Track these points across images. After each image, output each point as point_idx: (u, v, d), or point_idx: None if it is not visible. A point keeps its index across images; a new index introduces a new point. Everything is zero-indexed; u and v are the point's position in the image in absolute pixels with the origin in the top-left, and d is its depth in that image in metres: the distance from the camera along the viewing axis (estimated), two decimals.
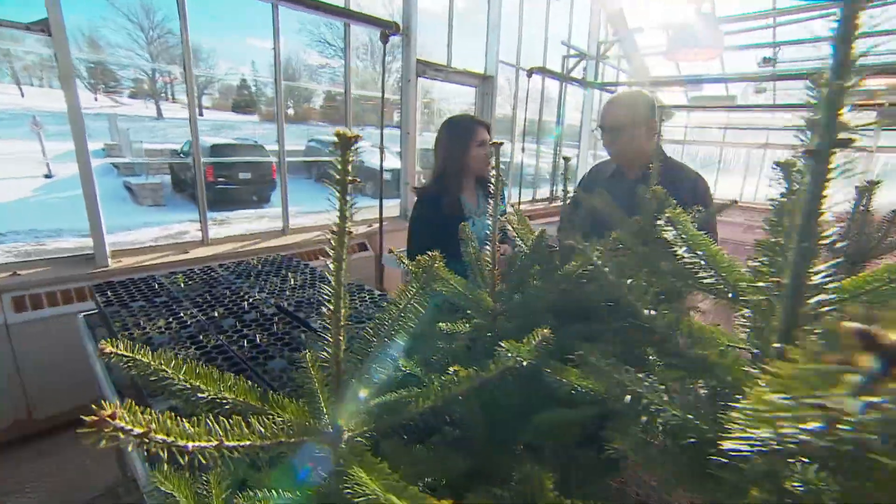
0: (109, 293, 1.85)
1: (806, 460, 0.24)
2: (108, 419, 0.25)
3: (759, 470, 0.25)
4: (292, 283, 2.08)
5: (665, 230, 0.50)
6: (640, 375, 0.38)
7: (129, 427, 0.26)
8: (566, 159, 0.85)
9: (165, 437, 0.29)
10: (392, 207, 4.90)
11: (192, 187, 11.61)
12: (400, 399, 0.48)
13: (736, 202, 1.10)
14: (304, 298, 1.88)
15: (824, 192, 0.28)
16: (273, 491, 0.41)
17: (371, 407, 0.47)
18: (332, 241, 0.37)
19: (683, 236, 0.48)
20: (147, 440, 0.27)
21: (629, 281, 0.44)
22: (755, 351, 0.36)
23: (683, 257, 0.47)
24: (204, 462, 0.31)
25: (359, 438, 0.44)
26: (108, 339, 0.43)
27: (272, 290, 1.97)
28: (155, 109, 26.79)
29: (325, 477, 0.41)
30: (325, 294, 0.40)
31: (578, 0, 6.76)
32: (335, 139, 0.35)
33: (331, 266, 0.38)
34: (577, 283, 0.71)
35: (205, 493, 0.48)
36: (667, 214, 0.50)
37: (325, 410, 0.49)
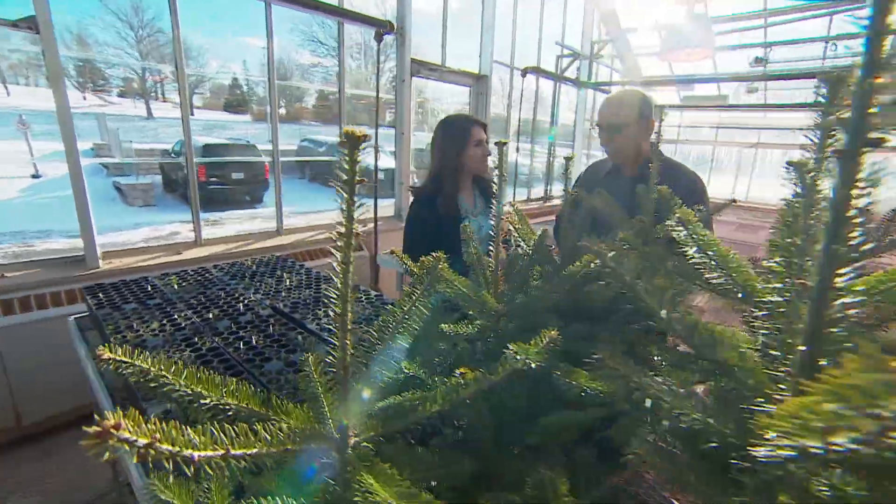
0: (101, 295, 1.82)
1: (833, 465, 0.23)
2: (111, 430, 0.24)
3: (789, 476, 0.24)
4: (287, 284, 2.06)
5: (676, 230, 0.50)
6: (659, 378, 0.37)
7: (133, 438, 0.25)
8: (567, 158, 0.84)
9: (170, 448, 0.27)
10: (386, 207, 4.88)
11: (184, 187, 11.50)
12: (406, 403, 0.47)
13: (735, 201, 1.10)
14: (300, 299, 1.87)
15: (853, 194, 0.27)
16: (278, 499, 0.40)
17: (377, 411, 0.46)
18: (338, 243, 0.36)
19: (694, 236, 0.48)
20: (152, 451, 0.26)
21: (645, 282, 0.44)
22: (776, 354, 0.35)
23: (694, 257, 0.47)
24: (210, 472, 0.30)
25: (365, 444, 0.43)
26: (106, 345, 0.42)
27: (267, 292, 1.95)
28: (145, 109, 26.47)
29: (333, 484, 0.40)
30: (331, 296, 0.39)
31: (572, 0, 6.78)
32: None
33: (337, 267, 0.37)
34: (582, 283, 0.70)
35: (206, 500, 0.47)
36: (677, 214, 0.50)
37: (329, 415, 0.48)
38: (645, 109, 1.68)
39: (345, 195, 0.35)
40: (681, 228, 0.49)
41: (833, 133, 0.38)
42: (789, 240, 0.37)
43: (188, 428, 0.31)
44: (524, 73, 5.77)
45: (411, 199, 2.11)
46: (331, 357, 0.42)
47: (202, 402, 0.42)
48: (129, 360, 0.41)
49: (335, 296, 0.38)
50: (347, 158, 0.33)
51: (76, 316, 1.88)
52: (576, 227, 0.94)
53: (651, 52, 7.55)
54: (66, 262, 2.82)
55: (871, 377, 0.17)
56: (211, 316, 1.65)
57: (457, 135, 1.96)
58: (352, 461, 0.41)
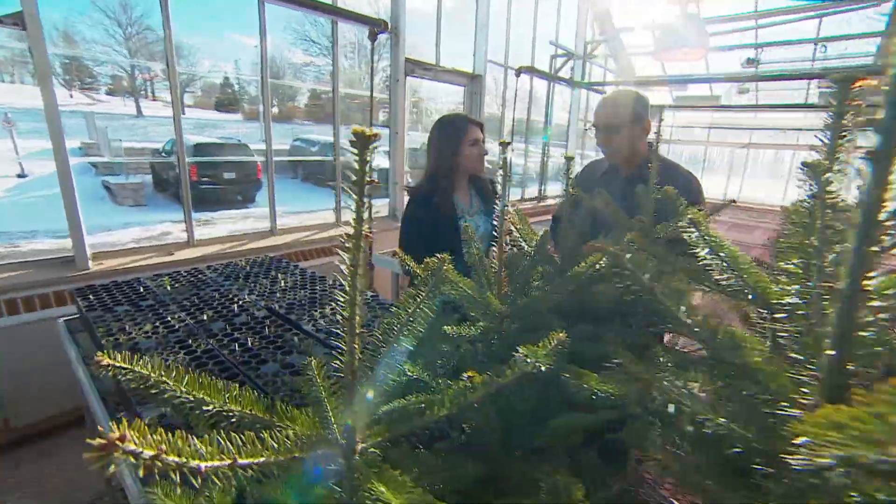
0: (92, 297, 1.78)
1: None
2: (117, 442, 0.23)
3: (823, 484, 0.24)
4: (282, 284, 2.04)
5: (687, 231, 0.50)
6: (680, 383, 0.37)
7: (138, 450, 0.24)
8: (568, 158, 0.84)
9: (177, 459, 0.26)
10: (380, 207, 4.86)
11: (175, 187, 11.37)
12: (413, 407, 0.46)
13: (734, 202, 1.10)
14: (296, 300, 1.85)
15: (886, 196, 0.27)
16: None
17: (384, 415, 0.45)
18: (348, 245, 0.35)
19: (706, 238, 0.47)
20: (158, 462, 0.25)
21: (664, 285, 0.43)
22: (797, 357, 0.35)
23: (705, 258, 0.47)
24: (217, 483, 0.29)
25: (373, 449, 0.42)
26: (105, 351, 0.40)
27: (262, 293, 1.93)
28: (134, 107, 26.11)
29: (339, 491, 0.39)
30: (339, 300, 0.38)
31: (566, 0, 6.80)
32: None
33: (345, 270, 0.36)
34: (585, 284, 0.70)
35: None
36: (688, 216, 0.50)
37: (333, 420, 0.47)
38: (641, 110, 1.68)
39: (354, 196, 0.34)
40: (692, 230, 0.49)
41: (844, 134, 0.38)
42: (806, 241, 0.36)
43: (193, 437, 0.30)
44: (518, 72, 5.78)
45: (406, 198, 2.10)
46: (337, 361, 0.41)
47: (205, 409, 0.41)
48: (129, 367, 0.40)
49: (343, 299, 0.37)
50: (357, 158, 0.33)
51: (66, 318, 1.84)
52: (576, 228, 0.94)
53: (645, 52, 7.60)
54: (54, 263, 2.76)
55: None
56: (205, 318, 1.62)
57: (453, 134, 1.95)
58: (359, 468, 0.40)
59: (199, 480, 0.28)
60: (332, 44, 3.88)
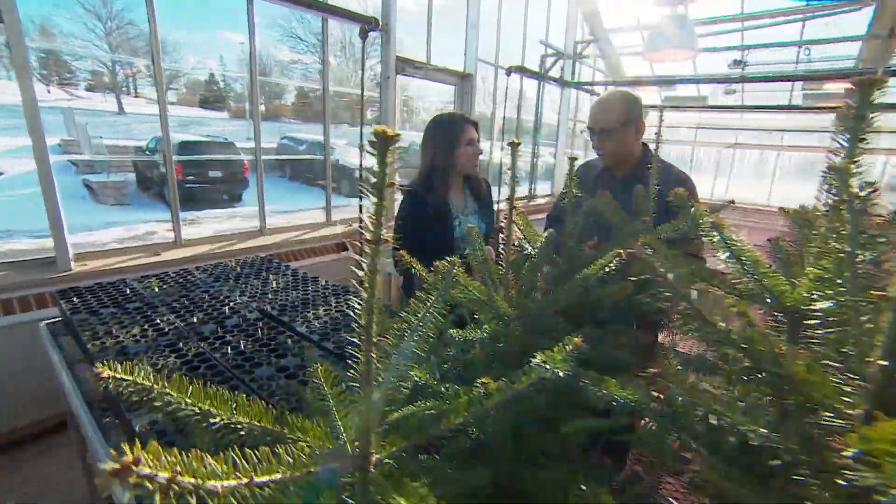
0: (76, 299, 1.73)
1: None
2: (131, 466, 0.22)
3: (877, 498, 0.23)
4: (274, 285, 2.01)
5: (709, 235, 0.49)
6: (717, 392, 0.36)
7: (154, 473, 0.23)
8: (572, 159, 0.83)
9: (193, 480, 0.25)
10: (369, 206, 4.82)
11: (159, 185, 11.14)
12: (429, 416, 0.45)
13: (733, 202, 1.11)
14: (288, 301, 1.81)
15: None
16: None
17: (398, 425, 0.44)
18: (364, 250, 0.34)
19: (727, 241, 0.47)
20: (175, 486, 0.23)
21: (700, 292, 0.43)
22: (834, 364, 0.34)
23: (727, 262, 0.46)
24: (235, 502, 0.27)
25: (388, 460, 0.40)
26: (105, 363, 0.38)
27: (253, 294, 1.89)
28: (116, 104, 25.51)
29: None
30: (355, 307, 0.36)
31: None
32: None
33: (362, 276, 0.35)
34: (593, 286, 0.70)
35: None
36: (710, 220, 0.49)
37: (344, 430, 0.45)
38: (635, 111, 1.69)
39: (374, 199, 0.32)
40: (714, 233, 0.49)
41: (864, 137, 0.38)
42: (837, 246, 0.36)
43: (208, 456, 0.28)
44: (509, 71, 5.78)
45: (400, 197, 2.07)
46: (352, 371, 0.39)
47: (211, 421, 0.39)
48: (131, 378, 0.38)
49: (360, 306, 0.35)
50: (378, 159, 0.31)
51: (48, 321, 1.78)
52: (579, 229, 0.93)
53: (634, 53, 7.68)
54: (34, 264, 2.68)
55: None
56: (195, 320, 1.58)
57: (449, 133, 1.94)
58: (375, 481, 0.39)
59: (215, 502, 0.26)
60: (322, 41, 3.83)
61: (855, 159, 0.39)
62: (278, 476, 0.31)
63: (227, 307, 1.71)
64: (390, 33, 4.19)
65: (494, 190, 2.30)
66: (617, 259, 0.65)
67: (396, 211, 2.08)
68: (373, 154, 0.32)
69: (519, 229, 0.81)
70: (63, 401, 1.58)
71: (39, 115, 2.46)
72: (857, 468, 0.21)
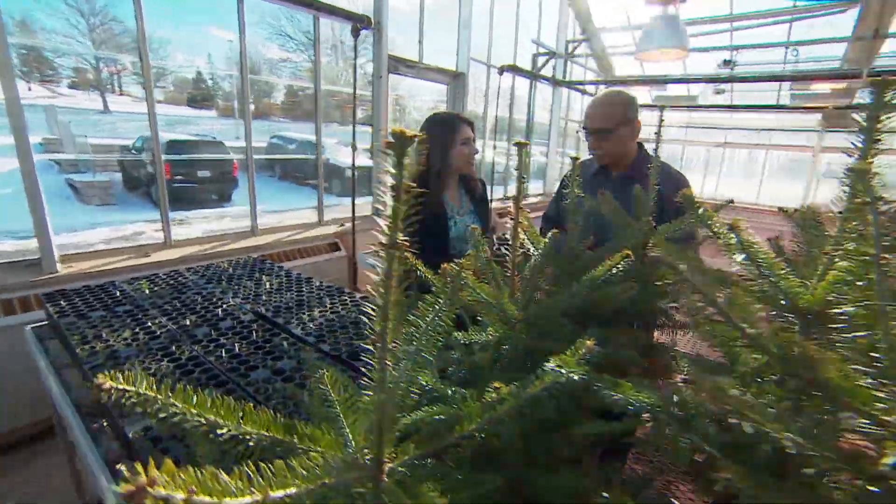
0: (63, 302, 1.69)
1: None
2: (147, 488, 0.20)
3: None
4: (268, 286, 1.98)
5: (727, 237, 0.49)
6: (749, 397, 0.35)
7: (170, 494, 0.21)
8: (574, 159, 0.83)
9: (209, 499, 0.23)
10: (362, 206, 4.79)
11: (147, 185, 10.94)
12: (441, 423, 0.44)
13: (732, 202, 1.12)
14: (282, 303, 1.79)
15: None
16: None
17: (410, 432, 0.43)
18: (381, 256, 0.32)
19: (744, 243, 0.46)
20: None
21: (728, 298, 0.42)
22: (863, 369, 0.34)
23: (743, 264, 0.46)
24: None
25: (402, 469, 0.39)
26: (108, 373, 0.36)
27: (247, 295, 1.86)
28: (101, 102, 24.97)
29: None
30: (370, 313, 0.35)
31: None
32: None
33: (378, 281, 0.33)
34: (599, 287, 0.69)
35: None
36: (728, 222, 0.49)
37: (353, 439, 0.44)
38: (631, 111, 1.69)
39: (390, 202, 0.31)
40: (732, 235, 0.48)
41: (879, 138, 0.38)
42: (861, 248, 0.36)
43: (221, 472, 0.27)
44: (501, 70, 5.79)
45: None
46: (365, 379, 0.38)
47: (219, 432, 0.38)
48: (133, 389, 0.36)
49: (375, 311, 0.34)
50: (395, 161, 0.30)
51: (33, 325, 1.74)
52: (582, 230, 0.93)
53: (625, 52, 7.74)
54: (17, 267, 2.61)
55: None
56: (188, 322, 1.55)
57: (445, 133, 1.92)
58: (388, 490, 0.38)
59: None
60: (314, 40, 3.79)
61: (871, 160, 0.39)
62: (294, 490, 0.30)
63: (220, 309, 1.68)
64: (382, 31, 4.16)
65: (486, 188, 2.29)
66: (626, 260, 0.65)
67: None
68: (390, 155, 0.30)
69: (524, 231, 0.80)
70: (50, 406, 1.54)
71: (23, 112, 2.40)
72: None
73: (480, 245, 0.73)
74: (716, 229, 0.52)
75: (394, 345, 0.36)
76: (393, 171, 0.30)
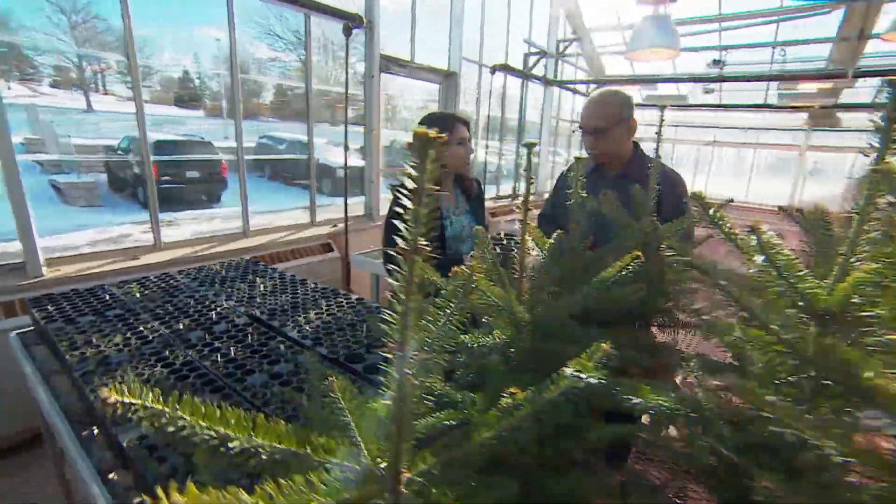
0: (50, 307, 1.64)
1: None
2: None
3: None
4: (262, 288, 1.95)
5: (749, 239, 0.48)
6: (790, 405, 0.35)
7: None
8: (577, 159, 0.82)
9: None
10: (354, 206, 4.76)
11: (133, 186, 10.74)
12: (458, 431, 0.42)
13: (731, 201, 1.12)
14: (277, 305, 1.76)
15: None
16: None
17: (426, 440, 0.42)
18: (402, 261, 0.31)
19: (764, 245, 0.46)
20: None
21: (766, 307, 0.42)
22: None
23: (760, 266, 0.46)
24: None
25: (419, 479, 0.38)
26: (112, 387, 0.35)
27: (241, 298, 1.83)
28: (84, 101, 24.48)
29: None
30: (389, 320, 0.34)
31: None
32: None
33: (399, 288, 0.32)
34: (606, 288, 0.68)
35: None
36: (749, 224, 0.48)
37: (365, 449, 0.43)
38: (626, 111, 1.70)
39: (412, 206, 0.30)
40: (753, 237, 0.48)
41: None
42: (887, 251, 0.35)
43: (242, 491, 0.25)
44: (493, 70, 5.79)
45: (388, 196, 2.04)
46: (384, 388, 0.37)
47: (230, 446, 0.36)
48: (140, 402, 0.35)
49: (393, 318, 0.33)
50: (417, 163, 0.29)
51: (19, 331, 1.68)
52: (583, 230, 0.92)
53: (616, 52, 7.79)
54: (1, 271, 2.53)
55: None
56: (181, 326, 1.52)
57: (440, 132, 1.91)
58: (406, 501, 0.36)
59: None
60: (306, 39, 3.74)
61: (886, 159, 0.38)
62: None
63: (213, 312, 1.65)
64: (374, 30, 4.13)
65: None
66: (636, 261, 0.64)
67: (388, 209, 2.04)
68: (414, 157, 0.29)
69: (530, 234, 0.79)
70: (38, 414, 1.49)
71: (5, 112, 2.33)
72: None
73: (487, 247, 0.73)
74: (727, 230, 0.52)
75: (413, 353, 0.35)
76: (415, 173, 0.29)
